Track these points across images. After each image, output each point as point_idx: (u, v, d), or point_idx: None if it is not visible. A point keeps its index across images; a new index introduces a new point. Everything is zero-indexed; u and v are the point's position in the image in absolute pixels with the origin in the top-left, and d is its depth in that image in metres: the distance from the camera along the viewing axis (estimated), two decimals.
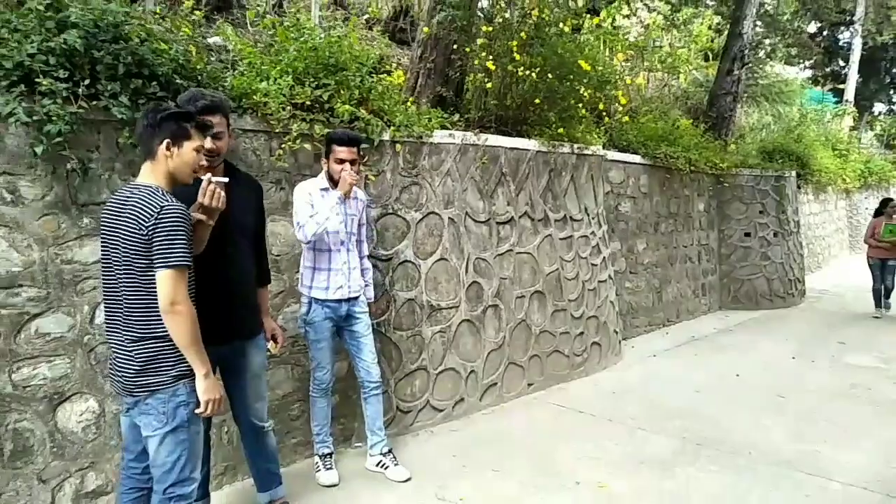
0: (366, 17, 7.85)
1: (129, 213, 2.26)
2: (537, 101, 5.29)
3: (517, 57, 4.99)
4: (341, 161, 3.44)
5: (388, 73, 5.29)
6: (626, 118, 7.09)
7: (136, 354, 2.29)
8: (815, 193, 13.77)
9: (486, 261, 4.86)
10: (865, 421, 4.77)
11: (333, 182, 3.49)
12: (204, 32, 4.47)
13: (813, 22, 18.47)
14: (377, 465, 3.75)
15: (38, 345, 2.90)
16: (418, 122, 4.49)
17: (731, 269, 9.51)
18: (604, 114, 6.56)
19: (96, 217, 3.07)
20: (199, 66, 3.47)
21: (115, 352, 2.37)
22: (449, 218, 4.61)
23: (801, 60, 19.07)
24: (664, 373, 6.00)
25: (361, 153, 3.71)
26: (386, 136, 4.28)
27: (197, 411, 2.35)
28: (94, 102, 2.95)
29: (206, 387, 2.33)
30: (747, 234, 9.51)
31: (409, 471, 3.70)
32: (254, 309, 3.00)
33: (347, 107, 4.02)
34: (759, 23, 12.41)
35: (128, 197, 2.31)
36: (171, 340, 2.29)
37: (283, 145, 3.80)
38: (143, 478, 2.49)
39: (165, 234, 2.23)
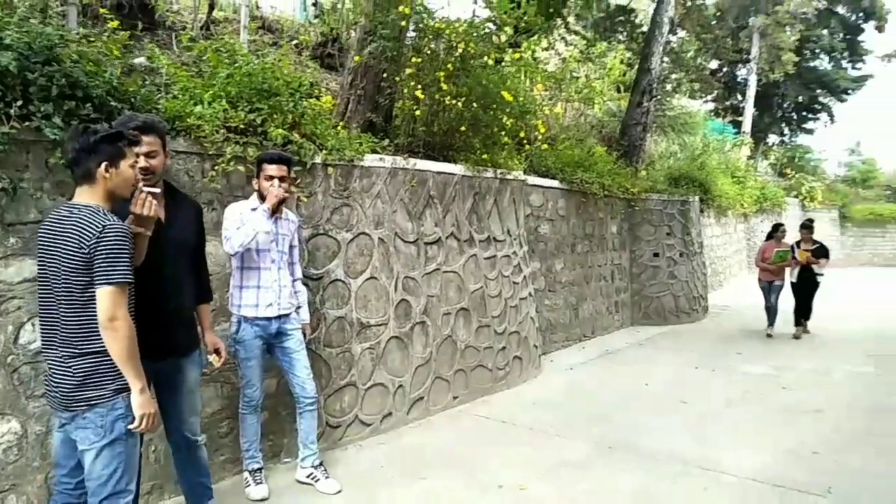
0: (295, 42, 7.97)
1: (71, 233, 2.32)
2: (463, 128, 5.60)
3: (444, 87, 5.28)
4: (270, 178, 3.57)
5: (318, 97, 5.45)
6: (546, 146, 7.52)
7: (74, 370, 2.33)
8: (717, 217, 14.83)
9: (415, 279, 5.08)
10: (758, 422, 5.27)
11: (263, 200, 3.60)
12: (131, 55, 4.48)
13: (714, 60, 19.97)
14: (308, 476, 3.84)
15: None
16: (349, 147, 4.68)
17: (641, 287, 10.14)
18: (524, 141, 6.96)
19: (23, 237, 3.08)
20: (132, 89, 3.52)
21: (51, 367, 2.40)
22: (379, 238, 4.80)
23: (704, 94, 20.54)
24: (581, 384, 6.37)
25: (292, 174, 3.85)
26: (318, 159, 4.44)
27: (131, 426, 2.39)
28: (26, 123, 2.98)
29: (142, 402, 2.38)
30: (656, 255, 10.18)
31: (339, 483, 3.81)
32: (190, 325, 3.08)
33: (281, 131, 4.16)
34: (665, 59, 13.39)
35: (68, 216, 2.36)
36: (109, 355, 2.34)
37: (216, 167, 3.88)
38: (75, 493, 2.52)
39: (108, 252, 2.29)
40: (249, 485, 3.72)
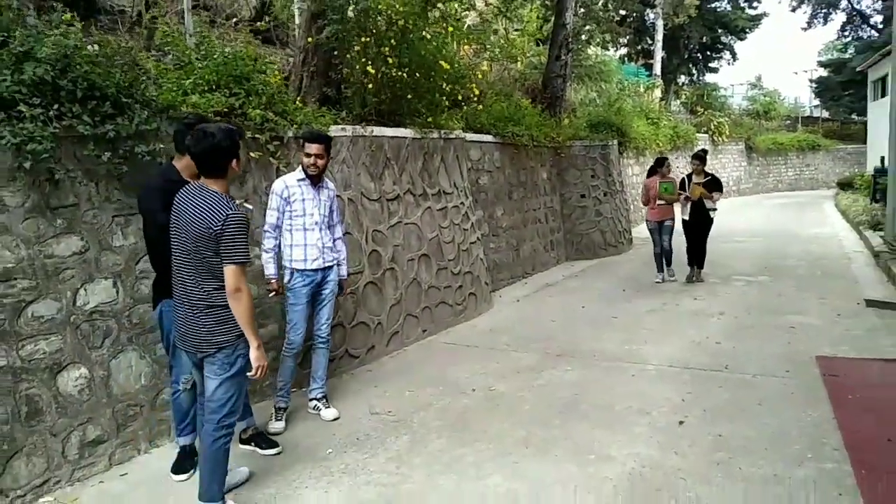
0: (234, 20, 8.37)
1: (203, 214, 2.88)
2: (409, 95, 6.33)
3: (390, 60, 5.97)
4: (308, 155, 4.20)
5: (264, 73, 5.98)
6: (480, 106, 8.31)
7: (204, 321, 2.93)
8: (636, 157, 16.10)
9: (381, 232, 5.86)
10: (672, 325, 6.42)
11: (306, 172, 4.23)
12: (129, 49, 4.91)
13: (621, 9, 21.06)
14: (312, 407, 4.55)
15: (35, 326, 3.48)
16: (315, 120, 5.35)
17: (572, 226, 11.24)
18: (461, 102, 7.73)
19: (66, 218, 3.68)
20: (137, 87, 4.08)
21: (185, 319, 2.98)
22: (348, 198, 5.53)
23: (615, 44, 21.66)
24: (527, 312, 7.39)
25: (317, 149, 4.25)
26: (290, 133, 5.10)
27: (249, 374, 2.99)
28: (63, 122, 3.55)
29: (258, 356, 2.96)
30: (583, 196, 11.27)
31: (338, 411, 4.45)
32: None
33: (258, 111, 4.79)
34: (581, 10, 14.29)
35: (200, 198, 2.93)
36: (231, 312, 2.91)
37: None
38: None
39: (231, 236, 2.86)
40: (271, 419, 4.31)
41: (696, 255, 8.45)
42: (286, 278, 4.32)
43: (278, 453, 3.84)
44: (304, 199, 4.24)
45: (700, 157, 8.38)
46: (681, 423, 4.06)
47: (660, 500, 3.13)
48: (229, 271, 2.88)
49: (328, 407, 4.51)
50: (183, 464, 3.61)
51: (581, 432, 3.98)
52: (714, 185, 8.25)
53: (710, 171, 8.45)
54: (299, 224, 4.25)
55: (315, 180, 4.29)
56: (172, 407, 3.71)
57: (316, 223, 4.29)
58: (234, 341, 2.97)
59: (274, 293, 4.27)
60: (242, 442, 3.92)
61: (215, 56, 4.80)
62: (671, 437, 3.85)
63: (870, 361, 5.05)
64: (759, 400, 4.37)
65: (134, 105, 3.96)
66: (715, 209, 8.30)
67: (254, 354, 2.98)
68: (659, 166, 8.58)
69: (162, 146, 4.05)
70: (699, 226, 8.30)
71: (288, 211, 4.23)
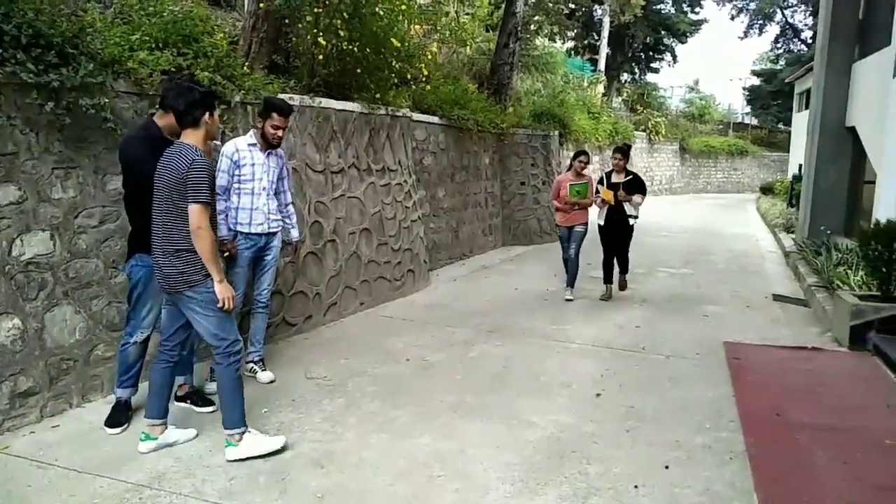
0: None
1: (174, 163, 3.12)
2: (359, 70, 6.39)
3: (342, 33, 6.02)
4: (276, 127, 4.26)
5: (211, 35, 5.94)
6: (428, 87, 8.44)
7: (175, 262, 3.16)
8: (575, 149, 16.59)
9: (325, 203, 5.94)
10: (597, 309, 6.80)
11: (266, 141, 4.28)
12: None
13: (570, 3, 21.49)
14: (249, 370, 4.66)
15: None
16: (263, 87, 5.36)
17: (511, 212, 11.56)
18: (410, 81, 7.84)
19: (4, 167, 3.62)
20: (83, 39, 4.01)
21: (159, 262, 3.21)
22: (293, 168, 5.57)
23: (562, 37, 22.09)
24: (463, 291, 7.63)
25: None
26: (237, 98, 5.11)
27: (217, 305, 3.20)
28: (4, 68, 3.49)
29: (221, 289, 3.19)
30: (522, 184, 11.59)
31: (273, 375, 4.57)
32: None
33: (206, 73, 4.78)
34: (531, 1, 14.55)
35: (176, 151, 3.17)
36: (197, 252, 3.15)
37: (154, 106, 4.47)
38: (173, 353, 3.45)
39: (195, 180, 3.09)
40: (257, 372, 4.50)
41: (620, 262, 7.25)
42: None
43: (213, 411, 3.92)
44: (253, 164, 4.30)
45: (622, 152, 6.98)
46: (598, 395, 4.38)
47: (573, 459, 3.42)
48: (192, 210, 3.11)
49: (264, 370, 4.61)
50: (118, 417, 3.65)
51: (507, 400, 4.24)
52: (636, 186, 6.86)
53: (632, 171, 7.14)
54: (247, 188, 4.31)
55: (272, 148, 4.36)
56: (119, 358, 3.76)
57: (264, 188, 4.35)
58: (204, 279, 3.19)
59: (227, 254, 4.30)
60: (178, 399, 3.98)
61: (164, 14, 4.75)
62: (588, 407, 4.16)
63: (769, 348, 5.54)
64: (669, 377, 4.75)
65: (79, 56, 3.90)
66: (636, 216, 6.94)
67: (218, 288, 3.19)
68: (574, 160, 7.16)
69: (107, 100, 4.02)
70: (617, 234, 7.03)
71: (237, 175, 4.28)
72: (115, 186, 4.23)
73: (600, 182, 7.11)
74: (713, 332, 5.98)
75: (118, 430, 3.61)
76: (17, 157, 3.68)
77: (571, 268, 7.31)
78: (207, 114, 3.27)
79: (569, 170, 7.26)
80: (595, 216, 7.22)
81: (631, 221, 6.98)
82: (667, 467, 3.36)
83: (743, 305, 7.13)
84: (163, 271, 3.22)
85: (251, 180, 4.31)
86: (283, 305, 5.48)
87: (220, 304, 3.21)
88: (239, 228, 4.32)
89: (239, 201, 4.31)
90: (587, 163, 7.19)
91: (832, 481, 3.25)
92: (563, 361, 5.10)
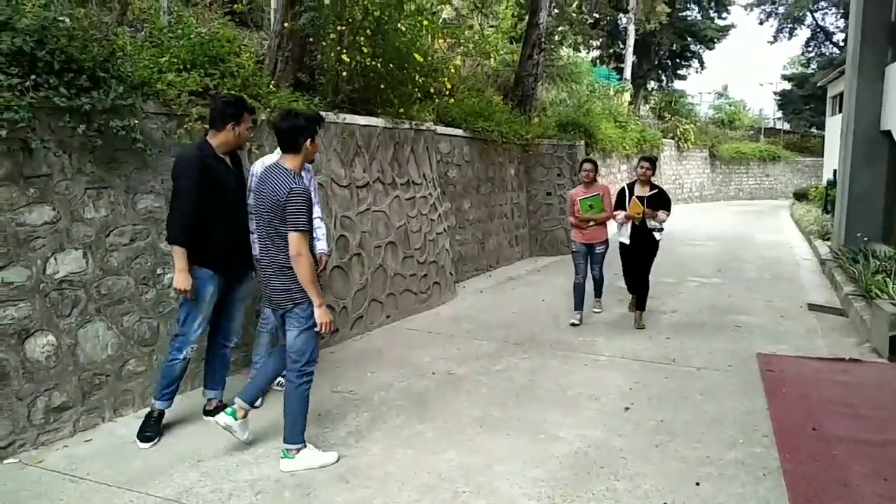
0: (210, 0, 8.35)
1: (272, 187, 3.25)
2: (382, 85, 6.45)
3: (365, 50, 6.09)
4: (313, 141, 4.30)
5: (238, 55, 6.06)
6: (451, 100, 8.48)
7: (282, 280, 3.29)
8: (602, 158, 16.46)
9: (350, 218, 5.99)
10: (627, 321, 6.69)
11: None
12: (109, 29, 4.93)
13: (594, 13, 21.44)
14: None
15: (5, 292, 3.53)
16: (288, 105, 5.42)
17: (537, 222, 11.51)
18: (434, 94, 7.89)
19: (39, 188, 3.73)
20: (113, 62, 4.12)
21: (267, 279, 3.38)
22: (318, 183, 5.63)
23: (586, 47, 22.03)
24: (489, 303, 7.60)
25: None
26: (263, 116, 5.19)
27: (315, 330, 3.32)
28: (39, 93, 3.60)
29: (320, 314, 3.28)
30: (549, 194, 11.54)
31: None
32: None
33: (233, 93, 4.86)
34: (555, 11, 14.55)
35: (274, 173, 3.31)
36: None
37: (183, 126, 4.57)
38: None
39: (293, 208, 3.19)
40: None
41: (640, 292, 6.53)
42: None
43: None
44: None
45: (651, 161, 6.33)
46: (626, 408, 4.31)
47: (600, 475, 3.36)
48: (292, 238, 3.23)
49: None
50: (151, 430, 3.71)
51: (533, 414, 4.20)
52: (660, 201, 6.23)
53: (657, 184, 6.49)
54: None
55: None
56: (164, 371, 3.81)
57: None
58: (307, 298, 3.29)
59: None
60: (206, 413, 4.03)
61: (191, 35, 4.86)
62: (617, 421, 4.09)
63: (804, 359, 5.39)
64: (700, 390, 4.65)
65: (110, 80, 4.01)
66: (661, 229, 6.30)
67: (317, 312, 3.30)
68: (580, 170, 6.65)
69: (136, 121, 4.12)
70: (641, 252, 6.33)
71: None
72: (146, 205, 4.33)
73: (621, 194, 6.36)
74: (746, 344, 5.85)
75: (149, 445, 3.67)
76: (51, 179, 3.78)
77: (598, 283, 6.93)
78: (310, 140, 3.41)
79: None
80: (614, 231, 6.52)
81: (657, 236, 6.30)
82: (698, 484, 3.28)
83: (777, 315, 6.96)
84: (269, 287, 3.40)
85: None
86: None
87: (317, 329, 3.32)
88: None
89: None
90: (591, 171, 6.47)
91: (871, 499, 3.13)
92: (590, 374, 5.03)
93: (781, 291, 8.25)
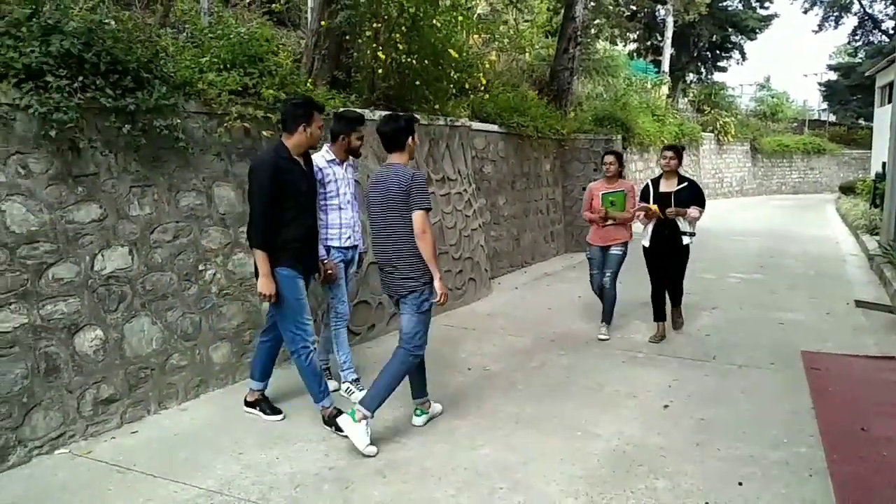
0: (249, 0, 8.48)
1: (393, 180, 3.61)
2: (417, 82, 6.47)
3: (401, 47, 6.11)
4: (360, 138, 4.38)
5: (276, 53, 6.12)
6: (486, 95, 8.45)
7: (400, 269, 3.65)
8: (639, 153, 16.21)
9: None
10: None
11: (348, 154, 4.38)
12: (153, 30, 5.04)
13: (632, 5, 21.08)
14: (345, 391, 4.54)
15: (55, 287, 3.65)
16: (326, 102, 5.47)
17: (573, 218, 11.38)
18: (468, 90, 7.88)
19: (87, 186, 3.85)
20: (156, 63, 4.22)
21: (385, 269, 3.75)
22: (355, 180, 5.67)
23: (623, 40, 21.68)
24: (525, 299, 7.57)
25: None
26: None
27: (433, 300, 3.73)
28: (86, 94, 3.71)
29: (440, 286, 3.69)
30: (584, 189, 11.34)
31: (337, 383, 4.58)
32: None
33: (271, 91, 4.94)
34: (591, 4, 14.38)
35: (390, 172, 3.67)
36: (420, 260, 3.60)
37: (224, 124, 4.65)
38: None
39: (417, 189, 3.58)
40: (353, 392, 4.42)
41: (671, 292, 5.91)
42: (322, 254, 4.36)
43: (281, 419, 4.03)
44: (336, 180, 4.34)
45: (674, 150, 5.62)
46: (665, 406, 4.24)
47: (639, 473, 3.32)
48: (417, 216, 3.58)
49: (361, 389, 4.46)
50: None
51: (570, 411, 4.17)
52: (692, 196, 5.48)
53: (687, 177, 5.70)
54: (334, 204, 4.34)
55: (350, 158, 4.47)
56: (308, 373, 3.86)
57: (348, 202, 4.41)
58: (422, 287, 3.68)
59: (329, 272, 4.30)
60: (247, 405, 4.11)
61: (231, 36, 4.94)
62: (655, 419, 4.04)
63: (851, 358, 5.23)
64: (742, 389, 4.55)
65: (153, 80, 4.11)
66: (693, 233, 5.54)
67: (437, 284, 3.70)
68: (602, 162, 5.99)
69: (178, 121, 4.21)
70: (669, 258, 5.62)
71: (322, 192, 4.27)
72: (188, 203, 4.43)
73: (645, 190, 5.69)
74: (790, 341, 5.70)
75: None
76: (98, 177, 3.90)
77: (608, 299, 5.89)
78: (411, 137, 3.75)
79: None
80: (638, 233, 5.86)
81: (686, 240, 5.48)
82: (740, 483, 3.21)
83: (822, 312, 6.77)
84: (390, 278, 3.74)
85: (336, 195, 4.35)
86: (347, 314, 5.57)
87: (436, 299, 3.72)
88: (330, 243, 4.34)
89: (328, 218, 4.34)
90: (614, 164, 5.76)
91: None
92: (628, 371, 4.97)
93: (827, 288, 8.01)
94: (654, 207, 5.49)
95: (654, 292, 5.85)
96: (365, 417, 3.56)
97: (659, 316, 5.85)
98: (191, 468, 3.35)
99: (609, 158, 5.85)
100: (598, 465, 3.43)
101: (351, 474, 3.31)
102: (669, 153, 5.58)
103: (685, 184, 5.58)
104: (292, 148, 3.79)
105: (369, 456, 3.50)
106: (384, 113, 5.85)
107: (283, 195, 3.70)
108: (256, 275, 3.77)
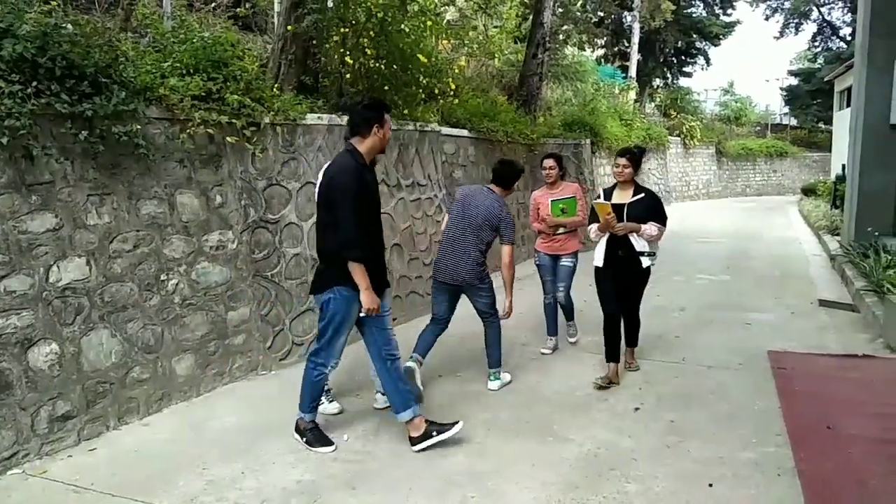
0: (213, 4, 8.35)
1: (489, 208, 4.58)
2: (386, 87, 6.42)
3: (369, 52, 6.06)
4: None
5: (241, 58, 6.01)
6: (456, 100, 8.44)
7: (476, 269, 4.61)
8: (608, 157, 16.35)
9: None
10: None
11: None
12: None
13: (599, 11, 21.34)
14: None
15: (7, 300, 3.51)
16: (292, 108, 5.42)
17: None
18: (438, 95, 7.85)
19: (41, 195, 3.71)
20: (115, 68, 4.10)
21: (457, 269, 4.59)
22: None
23: (591, 46, 21.91)
24: (497, 303, 7.52)
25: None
26: (267, 120, 5.16)
27: (500, 316, 4.76)
28: (40, 100, 3.58)
29: (508, 303, 4.72)
30: None
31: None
32: None
33: (235, 96, 4.84)
34: (560, 10, 14.49)
35: (491, 198, 4.61)
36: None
37: (186, 130, 4.54)
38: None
39: (506, 225, 4.63)
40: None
41: (626, 323, 4.90)
42: None
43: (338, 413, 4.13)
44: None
45: (630, 155, 4.66)
46: (636, 409, 4.25)
47: (611, 478, 3.30)
48: (507, 249, 4.57)
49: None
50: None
51: (542, 416, 4.15)
52: (649, 210, 4.59)
53: (645, 187, 4.79)
54: None
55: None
56: (313, 386, 3.76)
57: None
58: (487, 275, 4.71)
59: None
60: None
61: (194, 40, 4.84)
62: (626, 422, 4.04)
63: (816, 356, 5.31)
64: (711, 390, 4.59)
65: (112, 85, 3.99)
66: (653, 254, 4.64)
67: (506, 302, 4.67)
68: (540, 165, 5.58)
69: (138, 127, 4.10)
70: (623, 281, 4.72)
71: None
72: (149, 211, 4.31)
73: (601, 198, 4.72)
74: (756, 341, 5.78)
75: (332, 448, 3.65)
76: (53, 186, 3.77)
77: (566, 309, 5.63)
78: (515, 183, 4.74)
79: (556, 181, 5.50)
80: (592, 251, 4.97)
81: (645, 262, 4.59)
82: (711, 485, 3.22)
83: (787, 312, 6.88)
84: (464, 275, 4.58)
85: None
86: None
87: (502, 314, 4.78)
88: None
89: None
90: (554, 168, 5.45)
91: (889, 498, 3.07)
92: (599, 374, 4.96)
93: (791, 288, 8.16)
94: (608, 209, 4.51)
95: (607, 325, 4.83)
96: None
97: (611, 355, 4.77)
98: (151, 485, 3.23)
99: (549, 162, 5.47)
100: (570, 469, 3.41)
101: (320, 487, 3.24)
102: (622, 160, 4.65)
103: (642, 194, 4.66)
104: (365, 153, 3.61)
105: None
106: (337, 118, 5.78)
107: (369, 204, 3.56)
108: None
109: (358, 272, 3.46)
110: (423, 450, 3.60)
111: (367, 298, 3.50)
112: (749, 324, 6.42)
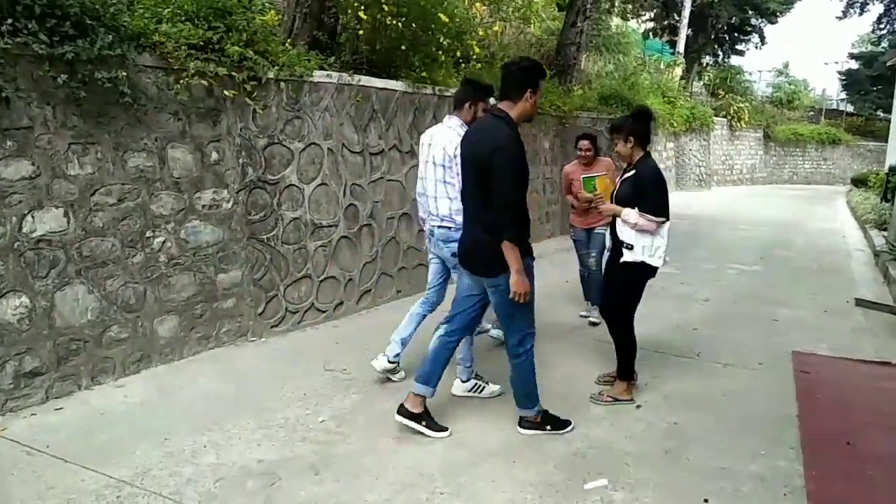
0: None
1: (648, 176, 3.79)
2: (403, 47, 6.08)
3: (385, 8, 5.71)
4: (486, 109, 3.84)
5: (262, 12, 5.78)
6: (479, 65, 8.02)
7: (484, 249, 3.24)
8: None
9: (361, 186, 5.69)
10: (655, 308, 6.17)
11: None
12: None
13: None
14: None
15: None
16: (299, 63, 5.13)
17: None
18: (461, 60, 7.46)
19: (18, 141, 3.53)
20: (106, 10, 3.86)
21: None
22: (328, 148, 5.34)
23: (634, 15, 20.97)
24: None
25: None
26: (271, 75, 4.89)
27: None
28: (16, 39, 3.37)
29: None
30: None
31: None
32: None
33: (237, 48, 4.58)
34: None
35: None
36: None
37: (180, 81, 4.30)
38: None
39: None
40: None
41: (611, 332, 4.25)
42: None
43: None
44: None
45: (618, 131, 3.99)
46: (638, 406, 3.94)
47: (598, 483, 3.02)
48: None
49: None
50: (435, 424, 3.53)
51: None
52: (633, 190, 3.84)
53: (644, 164, 3.86)
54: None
55: None
56: (443, 357, 3.62)
57: None
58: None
59: None
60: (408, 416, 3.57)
61: None
62: (625, 421, 3.74)
63: (846, 361, 4.89)
64: (724, 390, 4.24)
65: (98, 28, 3.76)
66: (629, 246, 3.87)
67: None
68: (575, 146, 5.63)
69: (124, 74, 3.86)
70: (609, 276, 4.27)
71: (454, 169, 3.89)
72: (137, 164, 4.11)
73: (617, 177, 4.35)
74: (782, 340, 5.36)
75: (447, 433, 3.47)
76: (31, 132, 3.58)
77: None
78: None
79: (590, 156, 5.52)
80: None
81: (628, 256, 3.87)
82: (706, 501, 2.91)
83: (820, 310, 6.41)
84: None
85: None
86: (312, 290, 5.28)
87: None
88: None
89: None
90: (590, 149, 5.51)
91: None
92: (605, 364, 4.66)
93: (828, 284, 7.64)
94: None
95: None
96: None
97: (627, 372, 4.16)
98: (107, 453, 3.08)
99: (584, 143, 5.50)
100: (553, 470, 3.13)
101: (281, 469, 3.03)
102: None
103: (631, 173, 3.88)
104: (517, 118, 3.25)
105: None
106: (347, 76, 5.47)
107: (524, 179, 3.26)
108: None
109: (511, 253, 3.15)
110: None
111: (517, 281, 3.18)
112: (776, 320, 5.99)
